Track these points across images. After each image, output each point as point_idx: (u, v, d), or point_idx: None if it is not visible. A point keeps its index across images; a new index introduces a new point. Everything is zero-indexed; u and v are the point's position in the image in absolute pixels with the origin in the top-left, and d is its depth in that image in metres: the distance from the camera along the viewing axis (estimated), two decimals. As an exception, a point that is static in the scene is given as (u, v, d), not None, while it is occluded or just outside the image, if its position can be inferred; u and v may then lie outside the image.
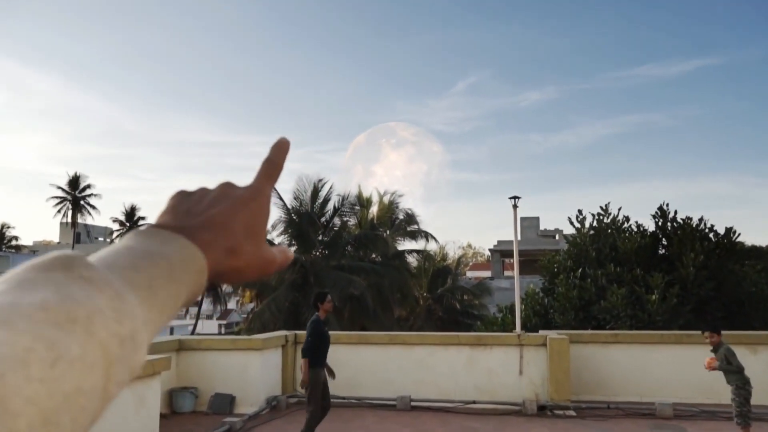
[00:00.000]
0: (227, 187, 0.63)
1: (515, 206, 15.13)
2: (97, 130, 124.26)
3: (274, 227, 26.55)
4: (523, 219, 51.61)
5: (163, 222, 0.59)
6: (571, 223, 19.53)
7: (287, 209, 26.60)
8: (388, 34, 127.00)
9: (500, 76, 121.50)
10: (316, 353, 7.70)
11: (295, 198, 26.84)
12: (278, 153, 0.66)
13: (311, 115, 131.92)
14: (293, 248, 26.82)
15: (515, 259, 13.86)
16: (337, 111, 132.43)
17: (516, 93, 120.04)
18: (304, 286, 25.22)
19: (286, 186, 31.52)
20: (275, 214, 26.66)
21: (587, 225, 19.18)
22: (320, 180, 26.93)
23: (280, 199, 26.68)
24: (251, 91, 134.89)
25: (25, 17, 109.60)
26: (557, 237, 49.95)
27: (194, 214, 0.60)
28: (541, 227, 53.20)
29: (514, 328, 15.00)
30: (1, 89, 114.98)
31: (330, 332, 8.49)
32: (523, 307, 19.02)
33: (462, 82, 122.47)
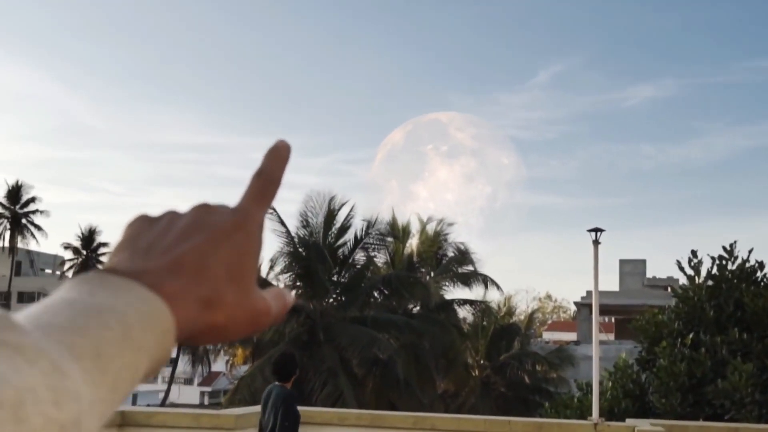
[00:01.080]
0: (203, 212, 0.61)
1: (596, 242, 15.12)
2: (47, 124, 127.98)
3: (273, 264, 26.87)
4: (623, 262, 50.78)
5: (116, 264, 0.57)
6: (681, 269, 19.36)
7: (291, 238, 26.88)
8: (442, 1, 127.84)
9: (597, 63, 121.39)
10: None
11: (302, 223, 27.15)
12: (274, 163, 0.64)
13: (332, 111, 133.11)
14: (298, 292, 27.06)
15: (594, 316, 13.85)
16: (368, 105, 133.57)
17: (619, 88, 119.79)
18: (311, 344, 25.37)
19: (290, 207, 31.69)
20: (275, 245, 26.86)
21: (703, 272, 18.98)
22: (334, 198, 27.19)
23: (282, 224, 26.93)
24: (251, 76, 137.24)
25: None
26: (670, 289, 49.34)
27: (158, 251, 0.58)
28: (649, 274, 52.65)
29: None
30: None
31: (342, 410, 8.69)
32: (610, 384, 18.86)
33: (545, 72, 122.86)
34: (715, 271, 18.81)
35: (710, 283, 18.64)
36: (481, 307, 31.62)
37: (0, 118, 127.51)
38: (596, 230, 15.31)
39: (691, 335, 18.20)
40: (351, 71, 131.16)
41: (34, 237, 71.50)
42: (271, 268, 27.06)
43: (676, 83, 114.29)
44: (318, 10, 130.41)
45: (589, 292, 48.99)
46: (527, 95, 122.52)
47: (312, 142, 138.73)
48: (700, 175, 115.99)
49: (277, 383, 8.16)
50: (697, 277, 18.95)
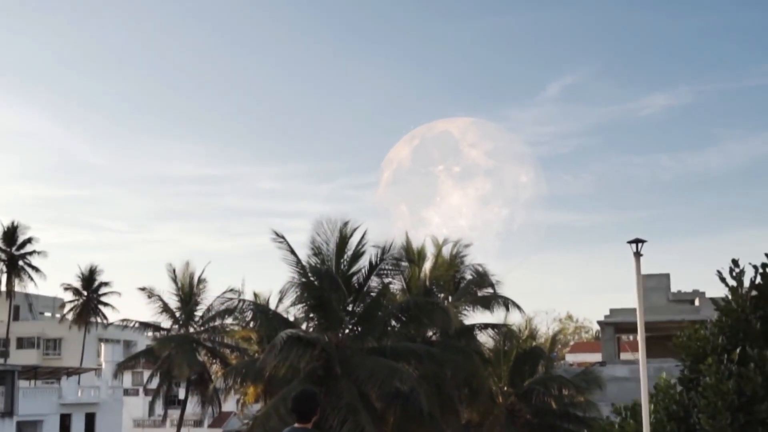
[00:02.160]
0: None
1: (638, 254, 14.46)
2: (46, 162, 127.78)
3: (282, 295, 26.27)
4: (647, 277, 50.00)
5: None
6: (722, 279, 18.55)
7: (302, 268, 26.37)
8: (447, 16, 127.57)
9: (609, 73, 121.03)
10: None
11: (313, 251, 26.60)
12: None
13: (337, 136, 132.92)
14: (311, 324, 26.54)
15: (640, 335, 13.11)
16: (374, 126, 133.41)
17: (633, 97, 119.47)
18: (327, 378, 24.92)
19: (298, 237, 30.99)
20: (284, 275, 26.44)
21: (746, 282, 18.19)
22: (347, 223, 26.51)
23: (292, 253, 26.45)
24: (256, 102, 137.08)
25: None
26: (697, 302, 48.83)
27: None
28: (673, 288, 52.02)
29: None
30: None
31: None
32: (652, 406, 18.17)
33: (555, 84, 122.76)
34: (759, 280, 18.05)
35: (755, 293, 17.89)
36: (503, 332, 31.24)
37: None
38: (637, 241, 14.73)
39: (737, 350, 17.45)
40: (355, 91, 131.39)
41: (32, 279, 70.77)
42: (281, 300, 26.49)
43: (691, 90, 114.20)
44: (320, 29, 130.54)
45: (613, 310, 48.58)
46: (538, 110, 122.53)
47: (317, 168, 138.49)
48: (721, 183, 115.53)
49: (297, 425, 7.29)
50: (740, 288, 18.19)
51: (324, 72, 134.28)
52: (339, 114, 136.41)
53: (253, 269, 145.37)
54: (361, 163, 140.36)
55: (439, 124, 59.64)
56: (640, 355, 13.66)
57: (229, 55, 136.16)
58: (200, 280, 45.51)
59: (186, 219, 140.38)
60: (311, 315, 26.31)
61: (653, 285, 49.19)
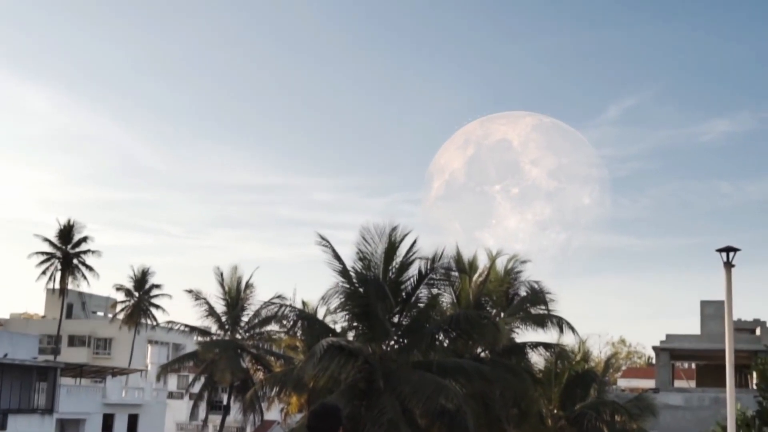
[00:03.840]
0: None
1: (729, 264, 13.36)
2: (107, 164, 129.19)
3: (325, 300, 25.61)
4: (705, 304, 48.50)
5: None
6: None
7: (347, 274, 25.50)
8: (509, 35, 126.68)
9: (670, 97, 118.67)
10: None
11: (358, 256, 25.58)
12: None
13: (394, 149, 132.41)
14: (354, 334, 25.95)
15: (728, 361, 11.99)
16: (432, 141, 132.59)
17: (694, 122, 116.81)
18: (370, 392, 24.10)
19: (343, 247, 29.73)
20: (329, 281, 25.61)
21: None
22: (396, 228, 25.42)
23: (337, 259, 25.61)
24: (313, 114, 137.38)
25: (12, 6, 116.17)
26: (758, 331, 47.12)
27: None
28: (734, 316, 50.07)
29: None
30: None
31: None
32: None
33: (615, 106, 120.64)
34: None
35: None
36: (557, 352, 30.25)
37: (60, 159, 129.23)
38: (728, 250, 13.66)
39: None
40: (414, 106, 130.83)
41: (85, 278, 71.14)
42: (323, 306, 25.70)
43: (753, 116, 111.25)
44: (382, 44, 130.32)
45: (669, 336, 47.20)
46: (597, 131, 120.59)
47: (373, 181, 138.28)
48: None
49: None
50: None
51: (384, 86, 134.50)
52: (397, 128, 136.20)
53: (305, 279, 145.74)
54: (417, 178, 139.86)
55: (497, 126, 53.85)
56: (728, 382, 12.46)
57: (291, 65, 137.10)
58: (248, 285, 44.83)
59: (240, 227, 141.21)
60: (355, 324, 25.43)
61: (712, 312, 47.79)
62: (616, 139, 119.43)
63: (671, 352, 48.00)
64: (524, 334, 30.53)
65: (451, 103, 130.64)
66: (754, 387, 46.38)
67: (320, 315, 30.26)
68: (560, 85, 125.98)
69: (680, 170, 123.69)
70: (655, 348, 49.13)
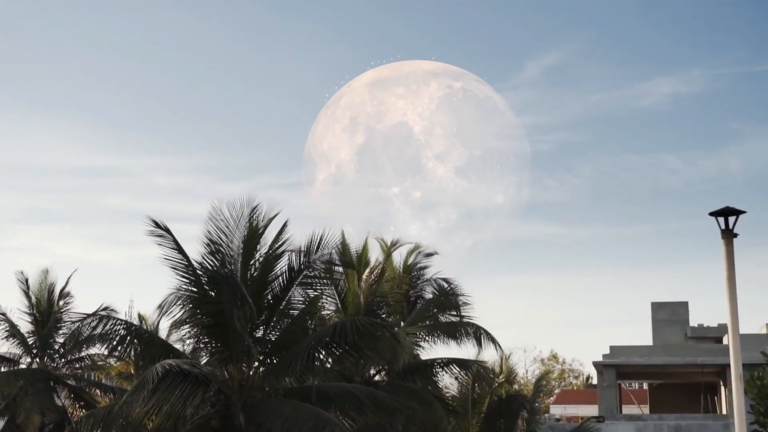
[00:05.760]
0: None
1: (729, 232, 13.77)
2: None
3: (163, 310, 20.70)
4: (657, 306, 46.96)
5: None
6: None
7: (193, 271, 20.70)
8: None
9: (601, 51, 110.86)
10: None
11: (208, 248, 20.72)
12: None
13: (262, 115, 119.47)
14: (205, 353, 21.84)
15: (734, 373, 13.46)
16: (312, 103, 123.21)
17: (631, 82, 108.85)
18: (226, 431, 20.49)
19: (189, 231, 24.61)
20: (168, 281, 20.99)
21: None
22: (256, 209, 20.82)
23: (179, 252, 20.70)
24: (149, 76, 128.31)
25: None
26: (725, 340, 43.79)
27: None
28: (692, 322, 48.71)
29: None
30: None
31: None
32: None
33: (534, 63, 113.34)
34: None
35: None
36: (474, 371, 26.83)
37: None
38: (727, 214, 13.29)
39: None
40: (285, 58, 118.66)
41: None
42: (163, 315, 20.98)
43: (705, 74, 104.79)
44: (234, 10, 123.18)
45: (614, 348, 43.75)
46: (512, 94, 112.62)
47: (231, 160, 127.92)
48: (743, 189, 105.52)
49: None
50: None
51: (244, 37, 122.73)
52: (261, 90, 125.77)
53: (144, 287, 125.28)
54: (288, 156, 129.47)
55: (393, 100, 44.47)
56: (735, 405, 13.01)
57: (106, 30, 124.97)
58: (63, 295, 37.19)
59: (56, 221, 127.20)
60: (205, 340, 21.05)
61: (666, 316, 46.04)
62: (536, 102, 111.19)
63: (617, 369, 43.98)
64: (432, 349, 27.12)
65: (333, 55, 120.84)
66: (723, 412, 43.44)
67: (163, 332, 25.91)
68: (466, 40, 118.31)
69: (616, 142, 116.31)
70: (596, 364, 45.14)
